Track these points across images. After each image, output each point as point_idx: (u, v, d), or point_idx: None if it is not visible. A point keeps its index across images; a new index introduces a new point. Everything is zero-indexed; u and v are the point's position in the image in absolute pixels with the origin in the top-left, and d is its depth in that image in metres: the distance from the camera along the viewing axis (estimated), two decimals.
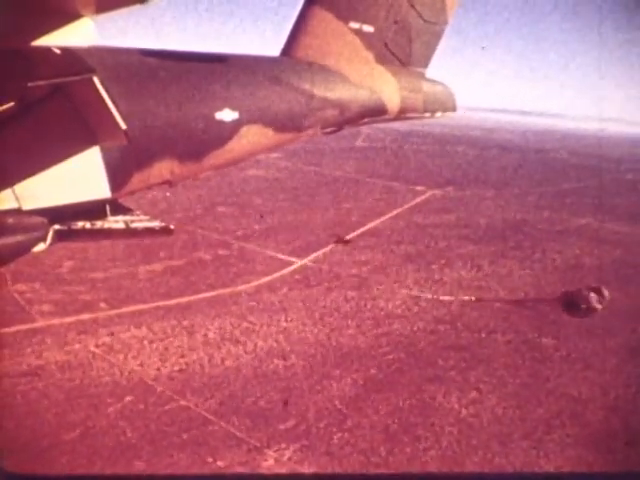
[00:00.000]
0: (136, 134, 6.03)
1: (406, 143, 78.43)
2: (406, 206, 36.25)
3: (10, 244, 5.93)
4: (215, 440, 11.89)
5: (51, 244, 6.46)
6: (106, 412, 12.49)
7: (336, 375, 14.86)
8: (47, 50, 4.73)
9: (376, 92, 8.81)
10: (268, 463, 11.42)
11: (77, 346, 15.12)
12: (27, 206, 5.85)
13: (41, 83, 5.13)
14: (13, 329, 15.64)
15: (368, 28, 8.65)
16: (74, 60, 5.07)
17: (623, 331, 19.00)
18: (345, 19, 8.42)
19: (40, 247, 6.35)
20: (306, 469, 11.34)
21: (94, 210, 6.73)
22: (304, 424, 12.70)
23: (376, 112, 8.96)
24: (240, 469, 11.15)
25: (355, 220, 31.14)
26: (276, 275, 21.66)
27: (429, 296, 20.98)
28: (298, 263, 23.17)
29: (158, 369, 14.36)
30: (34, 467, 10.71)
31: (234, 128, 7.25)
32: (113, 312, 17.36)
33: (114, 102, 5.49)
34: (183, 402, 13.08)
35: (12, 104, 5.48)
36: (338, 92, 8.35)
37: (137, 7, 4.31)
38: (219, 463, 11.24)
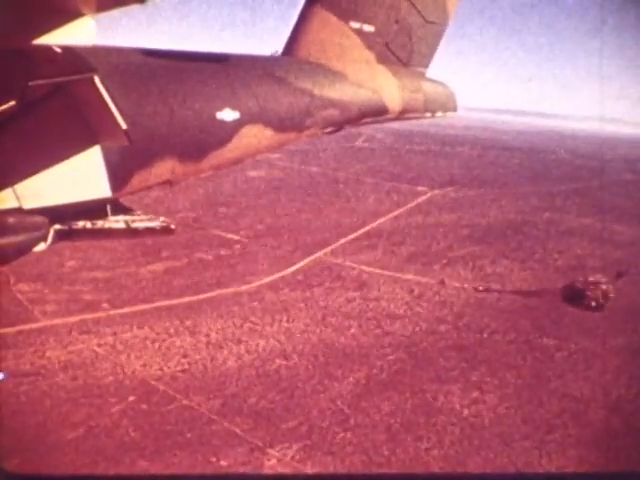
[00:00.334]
0: (137, 134, 6.03)
1: (407, 143, 78.40)
2: (407, 206, 36.27)
3: (11, 243, 5.95)
4: (218, 440, 11.91)
5: (52, 244, 6.47)
6: (109, 412, 12.51)
7: (338, 375, 14.89)
8: (48, 49, 4.75)
9: (377, 92, 8.82)
10: (271, 463, 11.43)
11: (80, 346, 15.15)
12: (28, 205, 5.86)
13: (42, 82, 5.16)
14: (15, 329, 15.66)
15: (369, 28, 8.67)
16: (75, 59, 5.11)
17: (625, 331, 19.02)
18: (346, 19, 8.43)
19: (41, 247, 6.37)
20: (309, 468, 11.36)
21: (95, 210, 6.75)
22: (306, 424, 12.72)
23: (377, 112, 8.99)
24: (243, 469, 11.18)
25: (356, 220, 31.16)
26: (278, 275, 21.68)
27: (432, 281, 21.12)
28: (299, 263, 23.20)
29: (161, 369, 14.39)
30: (38, 466, 10.74)
31: (235, 128, 7.26)
32: (115, 312, 17.39)
33: (115, 102, 5.51)
34: (186, 402, 13.11)
35: (13, 103, 5.49)
36: (339, 92, 8.37)
37: (137, 7, 4.33)
38: (222, 462, 11.26)
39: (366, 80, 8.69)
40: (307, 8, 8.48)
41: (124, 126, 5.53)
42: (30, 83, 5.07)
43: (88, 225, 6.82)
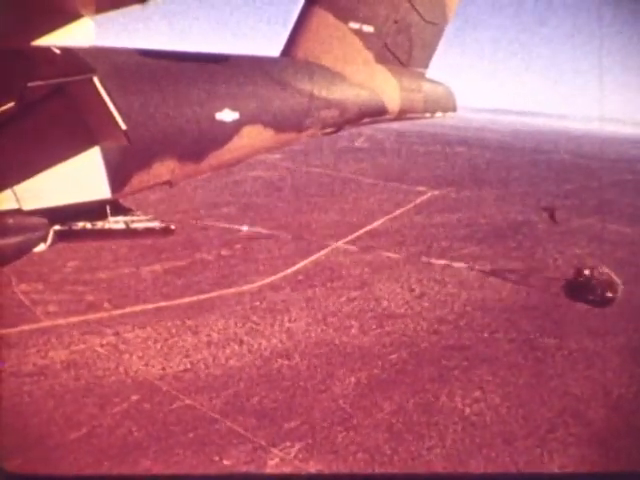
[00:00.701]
0: (136, 134, 6.02)
1: (406, 144, 78.43)
2: (407, 207, 36.31)
3: (11, 244, 5.94)
4: (221, 439, 11.95)
5: (51, 245, 6.46)
6: (112, 411, 12.54)
7: (340, 374, 14.92)
8: (47, 50, 4.73)
9: (376, 92, 8.81)
10: (274, 462, 11.48)
11: (82, 346, 15.18)
12: (27, 206, 5.85)
13: (41, 83, 5.12)
14: (18, 329, 15.70)
15: (368, 28, 8.66)
16: (74, 60, 5.07)
17: (625, 330, 19.09)
18: (345, 19, 8.43)
19: (40, 248, 6.37)
20: (311, 467, 11.40)
21: (94, 211, 6.76)
22: (309, 423, 12.76)
23: (376, 112, 8.97)
24: (246, 468, 11.21)
25: (356, 220, 31.19)
26: (279, 275, 21.71)
27: (442, 262, 21.17)
28: (301, 263, 23.23)
29: (163, 369, 14.42)
30: (41, 466, 10.77)
31: (234, 128, 7.26)
32: (117, 312, 17.41)
33: (114, 102, 5.48)
34: (188, 401, 13.14)
35: (12, 104, 5.47)
36: (338, 92, 8.36)
37: (137, 7, 4.34)
38: (225, 462, 11.30)
39: (365, 80, 8.68)
40: (306, 8, 8.46)
41: (123, 127, 5.50)
42: (29, 84, 5.04)
43: (88, 226, 6.84)
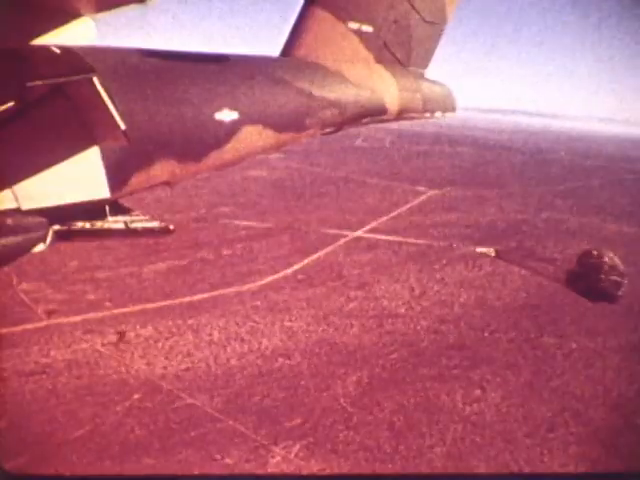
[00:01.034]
0: (136, 134, 6.02)
1: (406, 143, 78.51)
2: (407, 206, 36.35)
3: (9, 244, 5.92)
4: (223, 437, 12.00)
5: (50, 244, 6.46)
6: (114, 410, 12.59)
7: (341, 373, 14.97)
8: (47, 50, 4.76)
9: (376, 92, 8.80)
10: (275, 460, 11.53)
11: (84, 345, 15.23)
12: (26, 206, 5.83)
13: (40, 83, 5.11)
14: (20, 328, 15.74)
15: (367, 28, 8.65)
16: (74, 60, 5.06)
17: (625, 330, 19.14)
18: (344, 19, 8.42)
19: (39, 247, 6.33)
20: (313, 466, 11.46)
21: (94, 210, 6.73)
22: (310, 422, 12.81)
23: (376, 112, 8.95)
24: (248, 466, 11.26)
25: (356, 220, 31.23)
26: (279, 275, 21.76)
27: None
28: (301, 263, 23.28)
29: (165, 367, 14.47)
30: (45, 464, 10.81)
31: (234, 128, 7.23)
32: (118, 311, 17.45)
33: (114, 102, 5.45)
34: (190, 400, 13.19)
35: (12, 104, 5.48)
36: (338, 92, 8.34)
37: (137, 7, 4.36)
38: (227, 460, 11.35)
39: (365, 80, 8.67)
40: (306, 8, 8.45)
41: (123, 127, 5.47)
42: (29, 84, 5.02)
43: (87, 225, 6.82)
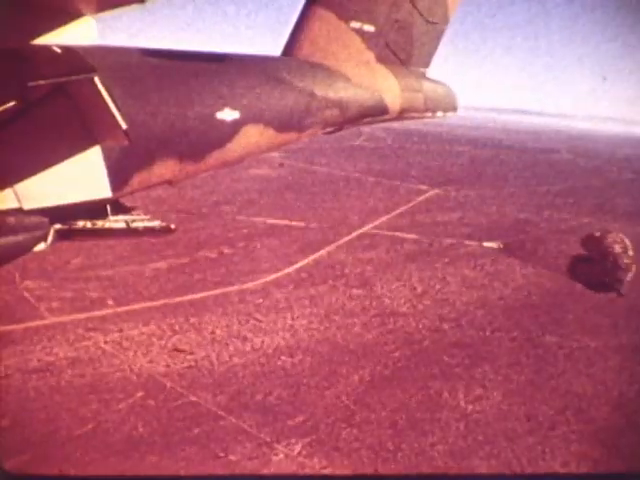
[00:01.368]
0: (137, 134, 6.02)
1: (407, 142, 78.50)
2: (408, 205, 36.37)
3: (11, 243, 5.94)
4: (226, 435, 12.03)
5: (52, 243, 6.48)
6: (117, 407, 12.63)
7: (343, 372, 15.01)
8: (48, 49, 4.78)
9: (377, 92, 8.82)
10: (278, 457, 11.56)
11: (87, 343, 15.26)
12: (28, 206, 5.85)
13: (41, 82, 5.12)
14: (23, 326, 15.78)
15: (369, 28, 8.67)
16: (75, 59, 5.08)
17: (626, 329, 19.15)
18: (346, 19, 8.44)
19: (41, 247, 6.37)
20: (315, 463, 11.49)
21: (95, 210, 6.76)
22: (312, 420, 12.84)
23: (377, 112, 8.97)
24: (251, 464, 11.30)
25: (358, 219, 31.26)
26: (282, 273, 21.79)
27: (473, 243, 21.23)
28: (303, 261, 23.31)
29: (167, 365, 14.50)
30: (48, 462, 10.85)
31: (235, 128, 7.25)
32: (121, 309, 17.49)
33: (115, 102, 5.48)
34: (193, 398, 13.23)
35: (13, 104, 5.49)
36: (339, 92, 8.36)
37: (137, 6, 4.38)
38: (230, 457, 11.38)
39: (366, 80, 8.68)
40: (307, 8, 8.46)
41: (124, 126, 5.48)
42: (30, 83, 5.04)
43: (88, 225, 6.83)
